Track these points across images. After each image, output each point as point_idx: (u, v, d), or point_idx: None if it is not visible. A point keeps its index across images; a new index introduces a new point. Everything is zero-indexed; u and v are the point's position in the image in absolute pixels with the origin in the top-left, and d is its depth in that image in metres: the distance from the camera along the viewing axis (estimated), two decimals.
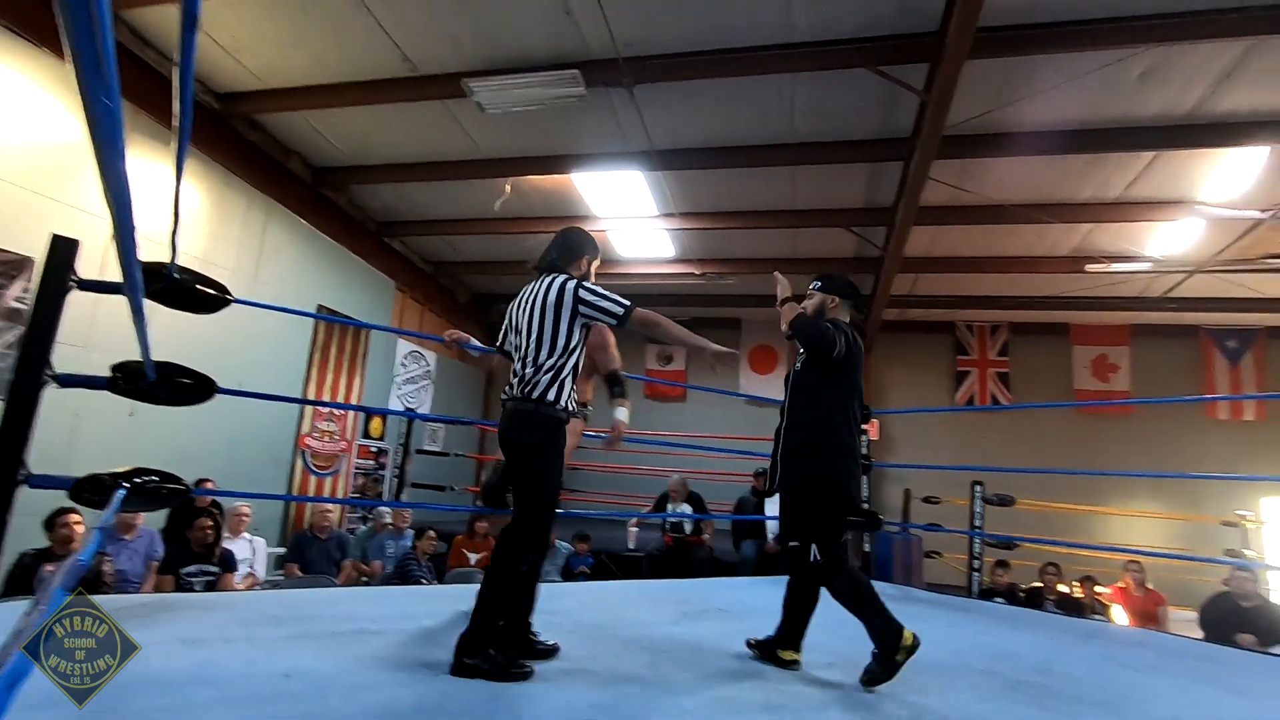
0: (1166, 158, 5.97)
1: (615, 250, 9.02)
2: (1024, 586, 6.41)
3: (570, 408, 2.25)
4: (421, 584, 5.04)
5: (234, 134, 6.59)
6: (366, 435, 8.90)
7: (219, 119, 6.33)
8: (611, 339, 2.99)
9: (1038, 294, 9.26)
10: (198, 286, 2.51)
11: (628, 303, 2.25)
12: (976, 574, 6.11)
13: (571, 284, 2.26)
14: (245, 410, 6.25)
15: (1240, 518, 7.26)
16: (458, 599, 3.01)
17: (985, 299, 9.66)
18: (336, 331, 8.20)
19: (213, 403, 2.83)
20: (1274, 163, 5.74)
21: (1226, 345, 9.76)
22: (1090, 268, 7.90)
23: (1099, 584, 6.20)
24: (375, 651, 2.13)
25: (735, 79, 5.32)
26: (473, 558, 5.67)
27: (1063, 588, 6.30)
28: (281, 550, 6.28)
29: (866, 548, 6.00)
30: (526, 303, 2.32)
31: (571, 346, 2.24)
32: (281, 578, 5.62)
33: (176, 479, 2.20)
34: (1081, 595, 6.09)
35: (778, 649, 2.35)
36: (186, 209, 5.90)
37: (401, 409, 9.49)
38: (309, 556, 5.53)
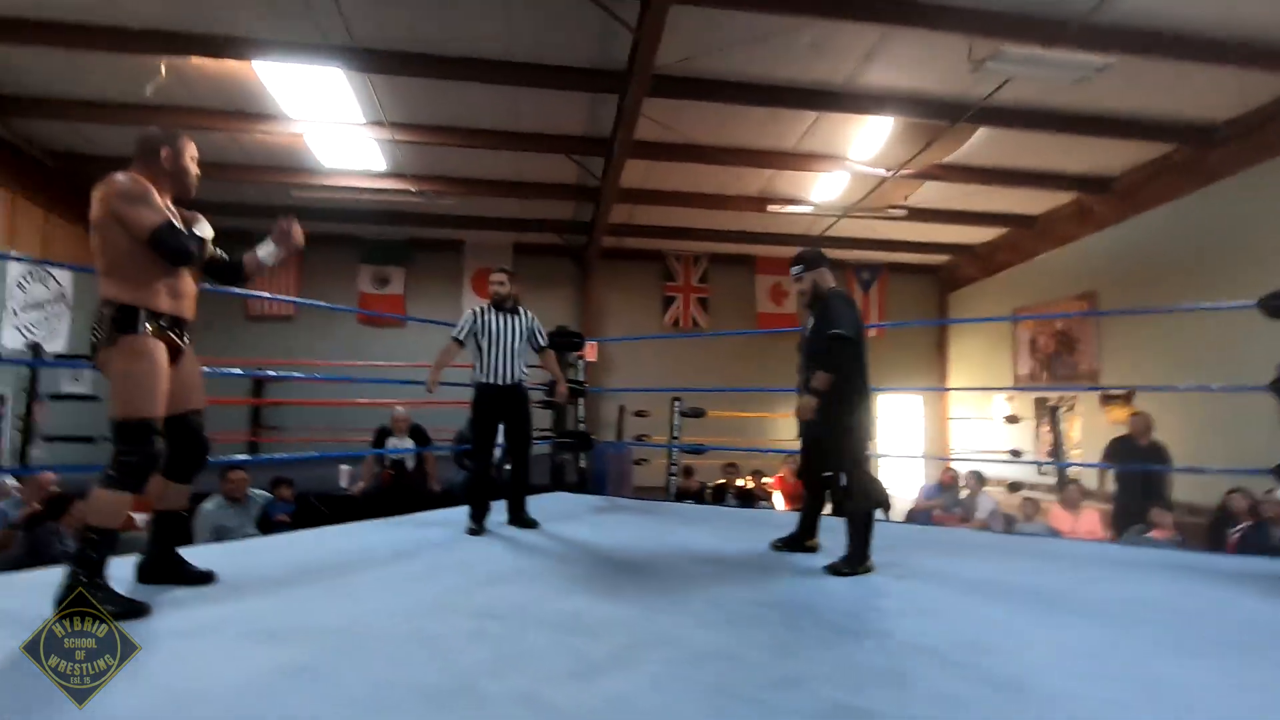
0: (826, 118, 7.04)
1: (315, 158, 7.96)
2: (711, 484, 7.52)
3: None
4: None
5: None
6: None
7: None
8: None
9: (731, 228, 10.47)
10: None
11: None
12: (674, 478, 6.98)
13: None
14: None
15: None
16: None
17: (690, 231, 10.64)
18: None
19: None
20: (896, 132, 7.14)
21: (862, 276, 12.19)
22: (770, 208, 9.15)
23: (765, 475, 7.53)
24: None
25: None
26: (139, 518, 4.80)
27: (740, 481, 7.53)
28: None
29: (583, 464, 6.45)
30: None
31: None
32: None
33: None
34: (753, 486, 7.34)
35: (805, 540, 3.21)
36: None
37: (24, 341, 7.46)
38: None
